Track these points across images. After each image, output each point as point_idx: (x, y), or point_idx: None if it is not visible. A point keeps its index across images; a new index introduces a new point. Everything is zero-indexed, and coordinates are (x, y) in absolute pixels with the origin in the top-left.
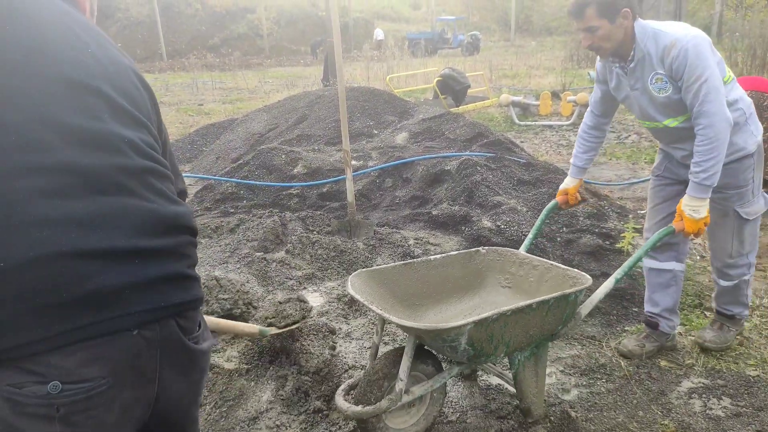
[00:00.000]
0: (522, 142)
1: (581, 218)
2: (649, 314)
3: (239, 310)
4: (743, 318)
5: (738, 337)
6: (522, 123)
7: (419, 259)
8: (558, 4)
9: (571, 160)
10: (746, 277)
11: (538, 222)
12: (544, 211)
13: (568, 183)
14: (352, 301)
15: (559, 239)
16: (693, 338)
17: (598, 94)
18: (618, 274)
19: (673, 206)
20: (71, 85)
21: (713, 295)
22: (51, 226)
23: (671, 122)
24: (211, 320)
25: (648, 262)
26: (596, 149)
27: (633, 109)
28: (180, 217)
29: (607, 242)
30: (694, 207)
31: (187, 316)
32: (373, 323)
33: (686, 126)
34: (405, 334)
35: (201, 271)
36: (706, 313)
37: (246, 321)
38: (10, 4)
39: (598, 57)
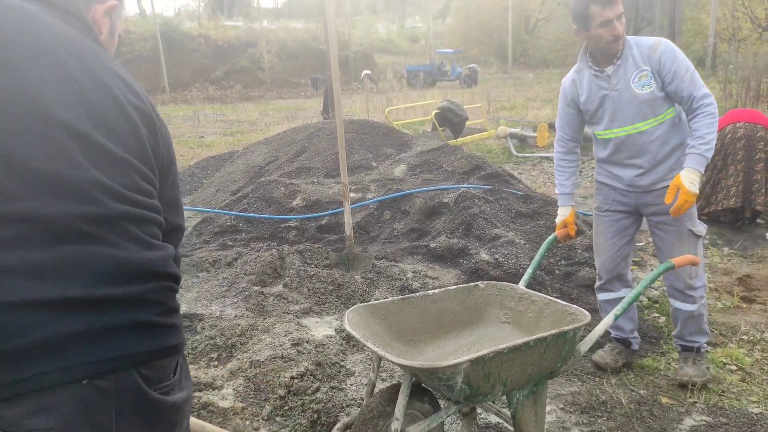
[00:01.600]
0: (520, 173)
1: (579, 251)
2: (619, 337)
3: None
4: (706, 350)
5: (740, 372)
6: (520, 155)
7: (417, 294)
8: (554, 37)
9: (557, 191)
10: (704, 300)
11: (537, 256)
12: (544, 245)
13: (564, 213)
14: (351, 336)
15: (557, 272)
16: (677, 379)
17: (564, 118)
18: (617, 310)
19: (624, 239)
20: (46, 125)
21: (677, 329)
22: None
23: (643, 125)
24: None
25: (603, 295)
26: (576, 173)
27: (604, 117)
28: (154, 263)
29: None
30: (692, 180)
31: (154, 365)
32: (370, 359)
33: (653, 131)
34: (401, 371)
35: (198, 305)
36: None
37: None
38: None
39: (569, 75)
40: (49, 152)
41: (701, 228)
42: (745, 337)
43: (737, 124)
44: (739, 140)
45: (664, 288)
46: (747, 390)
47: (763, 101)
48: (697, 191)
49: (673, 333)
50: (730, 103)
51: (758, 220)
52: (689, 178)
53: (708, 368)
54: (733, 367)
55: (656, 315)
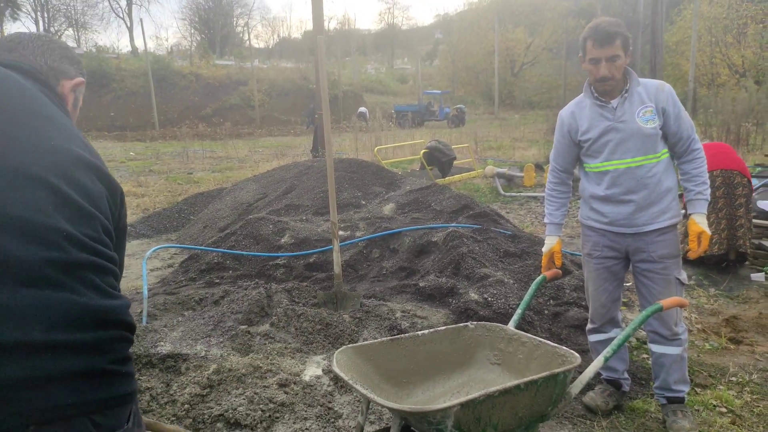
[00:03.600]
0: (507, 212)
1: (567, 290)
2: (610, 378)
3: None
4: (686, 399)
5: (729, 415)
6: (507, 194)
7: (406, 334)
8: (539, 80)
9: (546, 220)
10: (687, 344)
11: (526, 297)
12: (533, 286)
13: (551, 242)
14: (339, 377)
15: (546, 312)
16: None
17: (559, 148)
18: (607, 352)
19: (614, 283)
20: (20, 177)
21: (661, 378)
22: None
23: (643, 160)
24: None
25: (594, 337)
26: (566, 205)
27: (606, 148)
28: (111, 311)
29: None
30: (706, 223)
31: (107, 414)
32: (359, 401)
33: (651, 168)
34: (391, 413)
35: (183, 345)
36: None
37: None
38: None
39: (568, 107)
40: (19, 200)
41: (685, 276)
42: (734, 378)
43: (714, 173)
44: (718, 189)
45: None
46: None
47: (743, 144)
48: (711, 232)
49: (656, 384)
50: None
51: (745, 262)
52: (704, 223)
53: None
54: (723, 410)
55: (645, 356)
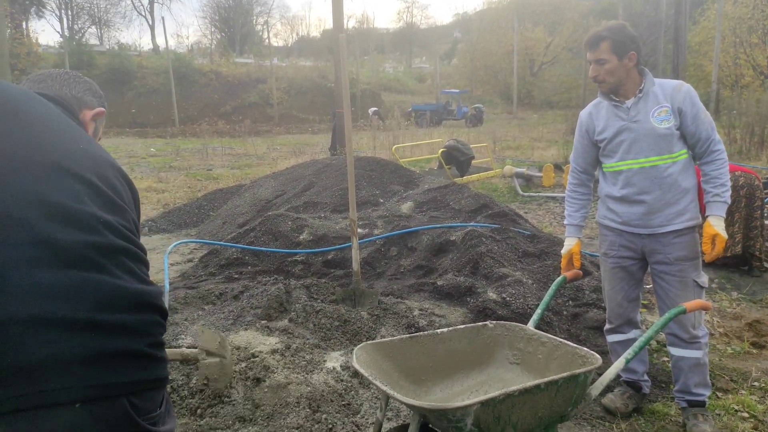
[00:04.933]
0: (526, 213)
1: (587, 291)
2: (630, 380)
3: None
4: (708, 404)
5: (752, 420)
6: (525, 194)
7: (425, 332)
8: (558, 80)
9: (566, 221)
10: (708, 348)
11: (546, 297)
12: (553, 287)
13: (570, 243)
14: (357, 373)
15: (565, 313)
16: None
17: (578, 149)
18: (628, 354)
19: (632, 283)
20: (58, 170)
21: (681, 382)
22: (11, 294)
23: (657, 160)
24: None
25: (613, 337)
26: (586, 206)
27: (620, 147)
28: (147, 295)
29: None
30: (722, 226)
31: (144, 396)
32: (377, 397)
33: (666, 168)
34: (409, 410)
35: None
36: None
37: None
38: (7, 107)
39: (587, 108)
40: (62, 190)
41: (705, 279)
42: (756, 383)
43: (736, 173)
44: (741, 188)
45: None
46: None
47: (767, 146)
48: (726, 236)
49: (676, 388)
50: (734, 147)
51: (756, 265)
52: (720, 226)
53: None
54: (745, 415)
55: (665, 359)
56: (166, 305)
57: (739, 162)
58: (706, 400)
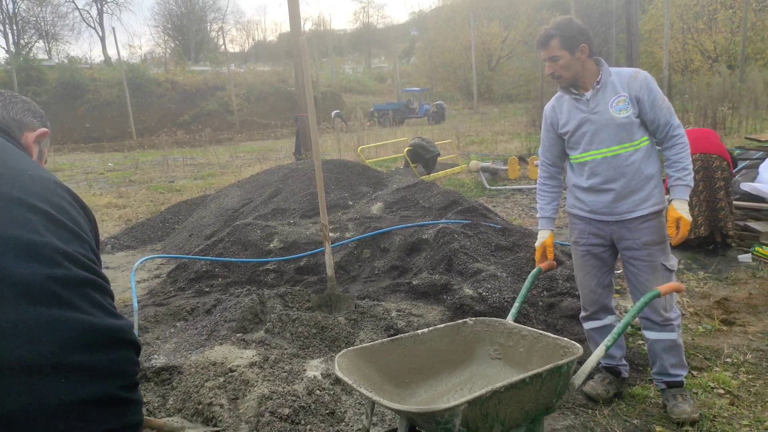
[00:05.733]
0: (494, 206)
1: (560, 281)
2: (608, 365)
3: None
4: (685, 382)
5: (728, 396)
6: (493, 188)
7: (406, 334)
8: (516, 73)
9: (538, 214)
10: (681, 329)
11: (523, 290)
12: (529, 279)
13: (543, 236)
14: (339, 380)
15: (540, 304)
16: (674, 418)
17: (545, 143)
18: (608, 341)
19: (603, 270)
20: (8, 200)
21: (658, 364)
22: None
23: (619, 149)
24: None
25: (589, 324)
26: (557, 199)
27: (583, 139)
28: (119, 330)
29: None
30: (686, 209)
31: None
32: (360, 403)
33: (629, 156)
34: (394, 415)
35: (176, 357)
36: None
37: None
38: None
39: (550, 102)
40: (14, 221)
41: (674, 262)
42: (729, 360)
43: (693, 157)
44: (697, 172)
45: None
46: (738, 414)
47: (720, 128)
48: (691, 218)
49: (653, 370)
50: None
51: (730, 243)
52: (684, 209)
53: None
54: (721, 391)
55: (641, 342)
56: (135, 325)
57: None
58: (684, 380)
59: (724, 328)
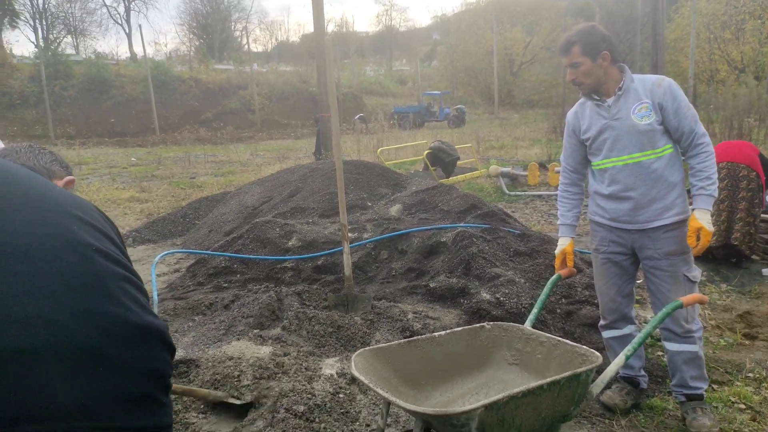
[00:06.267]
0: (513, 212)
1: (579, 289)
2: (627, 376)
3: None
4: (706, 397)
5: (749, 411)
6: (512, 193)
7: (423, 336)
8: (538, 79)
9: (558, 221)
10: (702, 342)
11: (542, 296)
12: (548, 285)
13: (564, 243)
14: (354, 380)
15: (558, 311)
16: None
17: (567, 149)
18: (628, 351)
19: (624, 278)
20: (40, 205)
21: (678, 376)
22: (15, 324)
23: (641, 156)
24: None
25: (609, 333)
26: (578, 206)
27: (604, 145)
28: (156, 329)
29: None
30: (708, 220)
31: None
32: (374, 404)
33: (650, 164)
34: (409, 416)
35: (194, 350)
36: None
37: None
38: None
39: (573, 108)
40: (52, 223)
41: (696, 273)
42: (750, 374)
43: (720, 165)
44: (722, 180)
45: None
46: (759, 429)
47: (746, 139)
48: (713, 229)
49: (673, 383)
50: (714, 142)
51: (753, 257)
52: (705, 219)
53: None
54: (742, 406)
55: (660, 353)
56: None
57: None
58: (704, 393)
59: (747, 342)
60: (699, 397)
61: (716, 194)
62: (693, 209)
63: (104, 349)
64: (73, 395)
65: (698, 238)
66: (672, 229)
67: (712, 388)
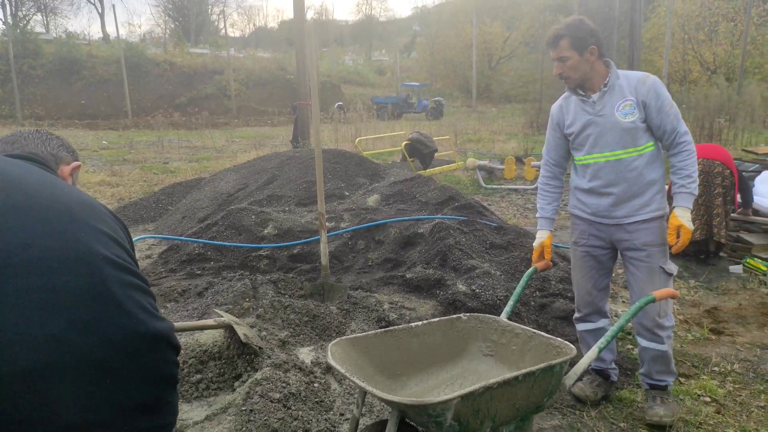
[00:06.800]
0: (489, 204)
1: (553, 282)
2: (598, 368)
3: None
4: (672, 388)
5: (714, 404)
6: (488, 186)
7: (400, 326)
8: (516, 74)
9: (538, 214)
10: (671, 340)
11: (518, 289)
12: (524, 278)
13: (542, 236)
14: (329, 369)
15: (533, 303)
16: (647, 420)
17: (551, 142)
18: (601, 343)
19: (601, 272)
20: (47, 211)
21: (645, 367)
22: (23, 343)
23: (622, 153)
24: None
25: (583, 326)
26: (558, 199)
27: (587, 141)
28: (161, 333)
29: None
30: (688, 217)
31: None
32: (349, 393)
33: (632, 161)
34: (384, 405)
35: None
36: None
37: None
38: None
39: (557, 101)
40: (58, 232)
41: (672, 267)
42: (716, 368)
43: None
44: (698, 176)
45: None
46: (723, 422)
47: (716, 139)
48: (693, 227)
49: (640, 371)
50: None
51: (721, 254)
52: (685, 217)
53: (677, 405)
54: (708, 399)
55: (630, 347)
56: None
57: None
58: (669, 385)
59: (713, 337)
60: (662, 388)
61: (696, 192)
62: (673, 207)
63: (112, 362)
64: (81, 410)
65: (678, 236)
66: (648, 221)
67: (680, 381)
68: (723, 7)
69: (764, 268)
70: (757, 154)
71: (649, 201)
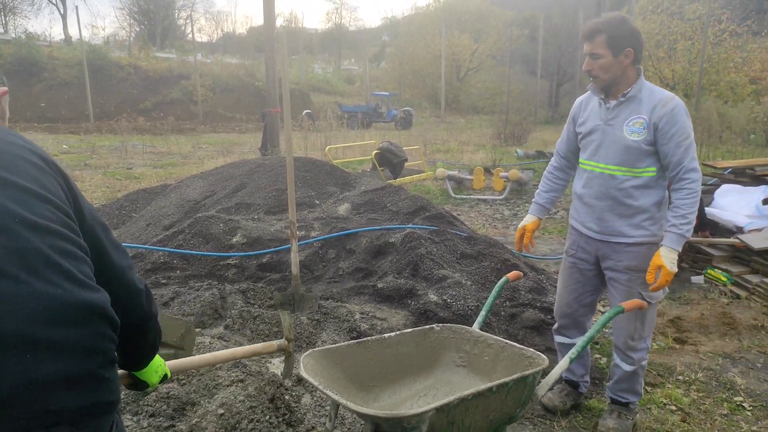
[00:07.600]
0: (459, 214)
1: (523, 292)
2: (567, 379)
3: None
4: (635, 407)
5: (679, 413)
6: (458, 196)
7: (373, 337)
8: (483, 86)
9: (534, 199)
10: (644, 363)
11: (490, 299)
12: (496, 288)
13: (528, 220)
14: (300, 381)
15: (503, 313)
16: (597, 430)
17: (564, 135)
18: (572, 354)
19: (586, 287)
20: None
21: (611, 381)
22: None
23: (617, 170)
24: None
25: (559, 339)
26: (558, 191)
27: (590, 146)
28: (90, 305)
29: (549, 316)
30: (672, 259)
31: (90, 424)
32: (320, 405)
33: (624, 181)
34: (356, 418)
35: None
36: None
37: None
38: None
39: (582, 96)
40: None
41: (655, 295)
42: (681, 377)
43: None
44: None
45: (606, 330)
46: (688, 430)
47: None
48: (676, 269)
49: (608, 383)
50: None
51: (683, 264)
52: (669, 258)
53: (631, 423)
54: (673, 408)
55: (598, 356)
56: None
57: None
58: (630, 404)
59: (677, 346)
60: (622, 404)
61: (689, 235)
62: (661, 245)
63: (32, 334)
64: (3, 385)
65: (657, 277)
66: (636, 245)
67: (646, 389)
68: (681, 25)
69: (724, 279)
70: (715, 168)
71: (638, 226)
